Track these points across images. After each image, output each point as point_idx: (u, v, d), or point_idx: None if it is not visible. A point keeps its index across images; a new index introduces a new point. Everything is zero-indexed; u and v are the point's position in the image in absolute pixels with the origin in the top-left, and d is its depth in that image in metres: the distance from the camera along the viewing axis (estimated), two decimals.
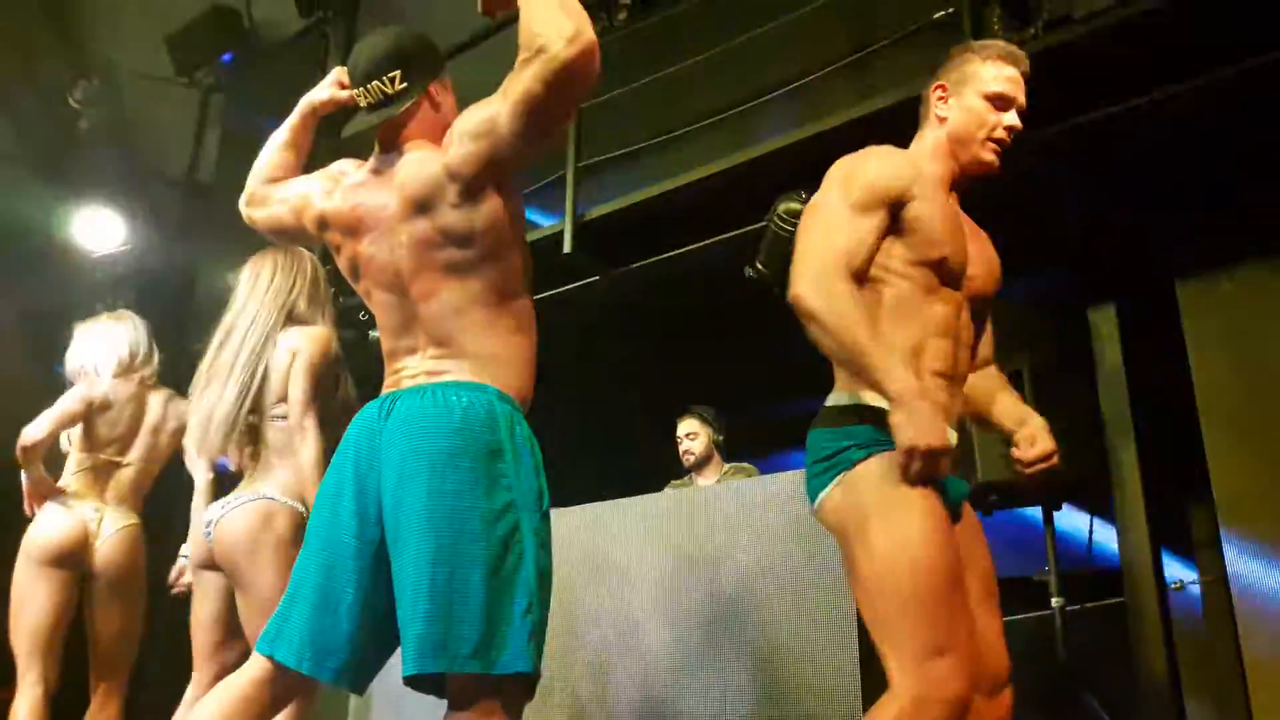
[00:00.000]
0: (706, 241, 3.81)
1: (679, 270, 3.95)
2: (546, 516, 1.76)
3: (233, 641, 2.64)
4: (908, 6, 3.54)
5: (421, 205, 1.80)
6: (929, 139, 1.98)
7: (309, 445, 2.49)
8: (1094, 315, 3.47)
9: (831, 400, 1.88)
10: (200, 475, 2.76)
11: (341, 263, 1.96)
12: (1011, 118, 1.92)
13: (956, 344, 1.87)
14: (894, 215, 1.85)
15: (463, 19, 5.00)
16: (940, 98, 1.97)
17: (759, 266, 3.17)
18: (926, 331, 1.84)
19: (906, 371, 1.74)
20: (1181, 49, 2.86)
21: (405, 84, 1.86)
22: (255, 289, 2.66)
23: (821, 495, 1.81)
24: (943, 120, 1.96)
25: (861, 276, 1.82)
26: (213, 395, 2.54)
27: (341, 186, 1.96)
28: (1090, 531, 3.64)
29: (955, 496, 1.86)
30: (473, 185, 1.77)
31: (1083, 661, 3.33)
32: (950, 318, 1.87)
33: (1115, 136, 3.08)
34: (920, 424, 1.66)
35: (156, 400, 3.37)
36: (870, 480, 1.74)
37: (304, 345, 2.58)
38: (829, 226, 1.83)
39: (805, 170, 3.30)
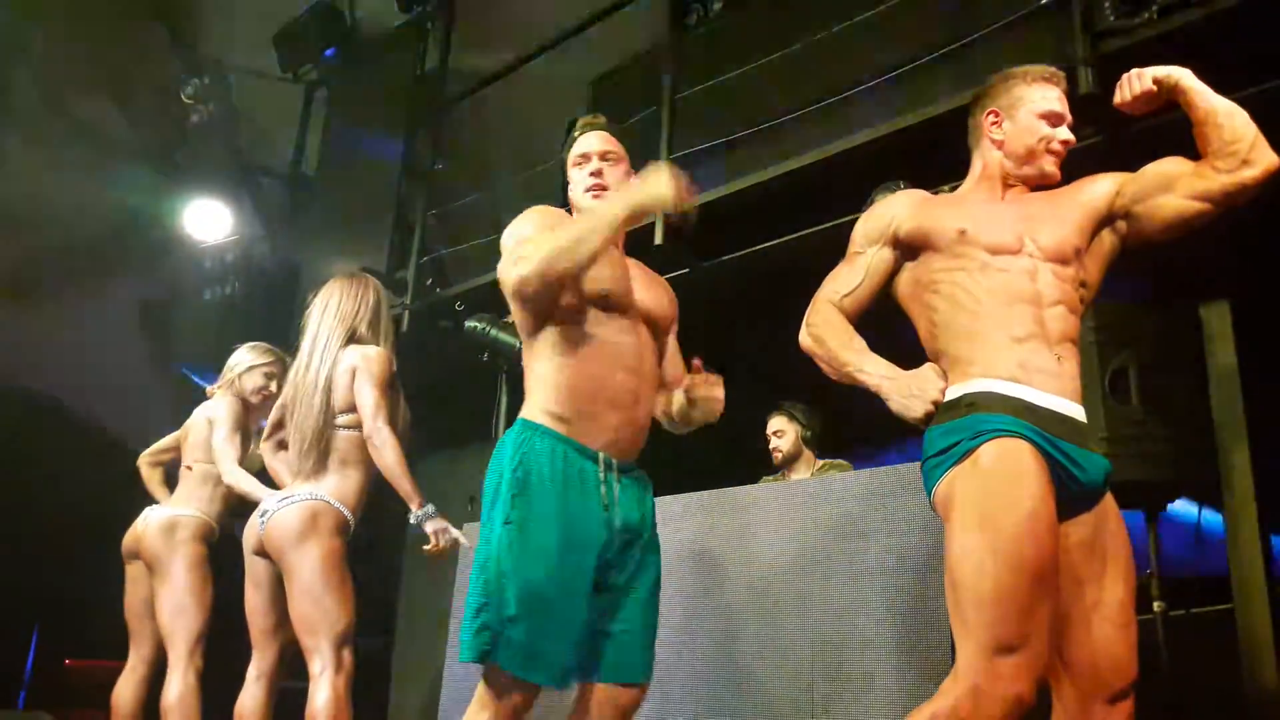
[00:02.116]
0: (800, 233, 3.77)
1: (771, 262, 3.92)
2: (518, 521, 1.96)
3: (288, 624, 2.88)
4: None
5: None
6: (979, 164, 2.12)
7: (388, 446, 2.80)
8: (1206, 312, 3.33)
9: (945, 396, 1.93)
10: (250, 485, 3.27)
11: None
12: (1065, 133, 2.06)
13: (1039, 306, 1.90)
14: (899, 245, 2.05)
15: (548, 15, 5.07)
16: (994, 123, 2.09)
17: None
18: (998, 300, 1.90)
19: (878, 359, 1.96)
20: None
21: None
22: (325, 313, 2.97)
23: (935, 487, 1.85)
24: (999, 143, 2.08)
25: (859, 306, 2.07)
26: (303, 413, 2.86)
27: None
28: (1197, 535, 3.51)
29: (1088, 479, 1.83)
30: None
31: (1187, 670, 3.22)
32: (1018, 283, 1.91)
33: None
34: (903, 394, 1.89)
35: (201, 409, 3.70)
36: (976, 470, 1.77)
37: (362, 363, 2.88)
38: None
39: (903, 160, 3.26)
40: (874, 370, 1.94)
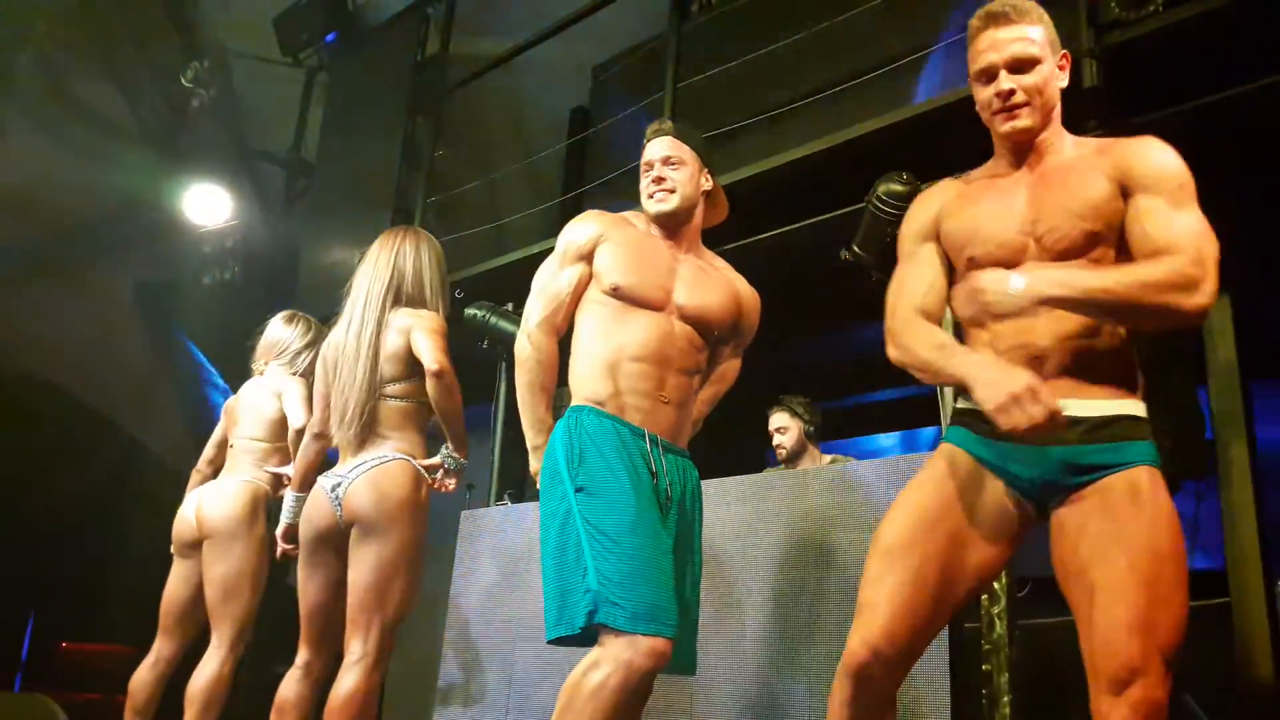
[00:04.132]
0: (803, 223, 3.76)
1: (774, 252, 3.91)
2: (586, 485, 2.07)
3: (339, 623, 2.63)
4: None
5: None
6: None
7: (454, 388, 2.62)
8: None
9: None
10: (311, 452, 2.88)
11: None
12: (999, 83, 1.86)
13: (1034, 315, 1.78)
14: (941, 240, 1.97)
15: (550, 1, 5.05)
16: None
17: (856, 249, 3.14)
18: (993, 313, 1.82)
19: (966, 352, 1.81)
20: None
21: None
22: (369, 274, 2.77)
23: None
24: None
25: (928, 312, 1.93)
26: (346, 380, 2.66)
27: None
28: (1194, 529, 3.52)
29: (1033, 474, 1.77)
30: None
31: (1183, 663, 3.23)
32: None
33: (1236, 117, 2.95)
34: (994, 382, 1.67)
35: (258, 385, 3.51)
36: None
37: (416, 320, 2.69)
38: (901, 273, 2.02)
39: (906, 150, 3.25)
40: (961, 363, 1.76)
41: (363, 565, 2.52)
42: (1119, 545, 1.68)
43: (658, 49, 4.52)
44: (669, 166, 2.34)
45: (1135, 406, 1.79)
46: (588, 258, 2.30)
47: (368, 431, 2.63)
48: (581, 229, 2.33)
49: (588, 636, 2.02)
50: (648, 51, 4.96)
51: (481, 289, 4.55)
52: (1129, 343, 1.82)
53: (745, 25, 4.28)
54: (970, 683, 2.65)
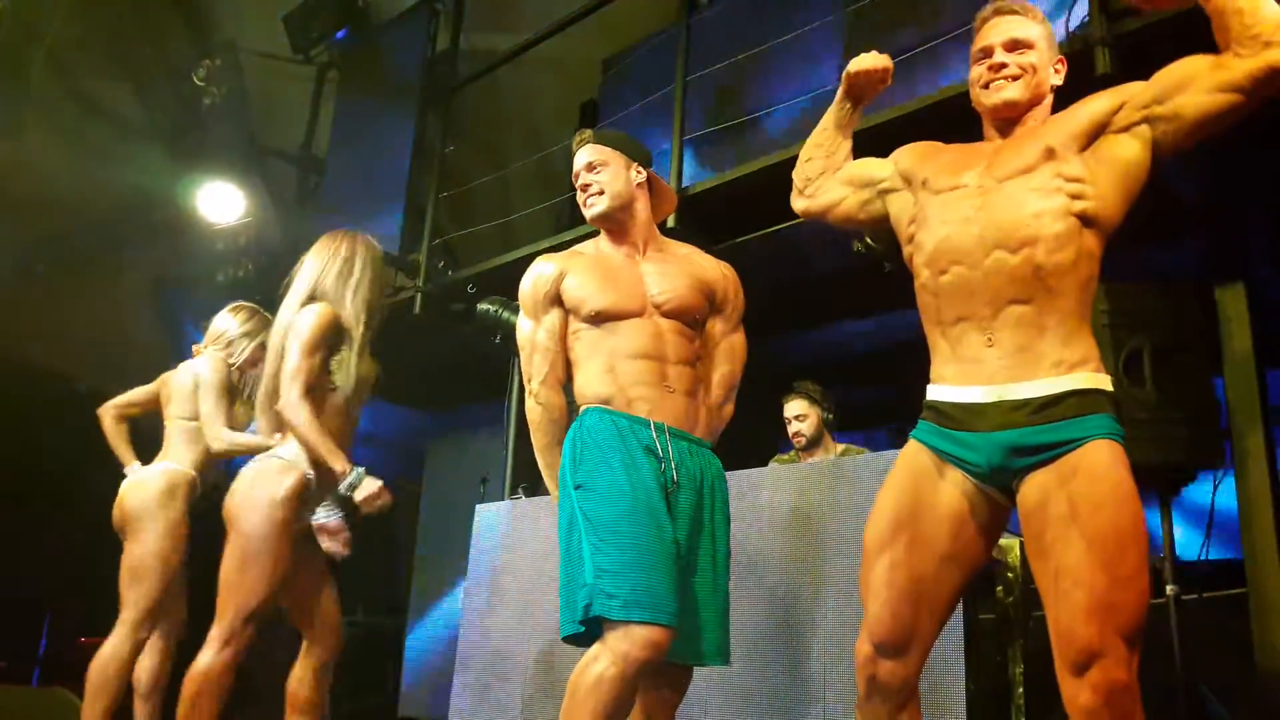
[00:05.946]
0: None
1: (782, 245, 3.91)
2: (585, 480, 2.13)
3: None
4: None
5: None
6: None
7: (297, 415, 2.66)
8: (1221, 294, 3.32)
9: None
10: (248, 438, 3.16)
11: None
12: (993, 58, 1.95)
13: (980, 252, 1.82)
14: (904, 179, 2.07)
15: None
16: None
17: (869, 240, 3.14)
18: (940, 261, 1.86)
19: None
20: None
21: None
22: (299, 275, 2.88)
23: None
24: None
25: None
26: (270, 370, 2.80)
27: None
28: (1210, 519, 3.50)
29: (981, 460, 1.77)
30: None
31: (1200, 653, 3.22)
32: (960, 232, 1.86)
33: None
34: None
35: (187, 366, 3.61)
36: None
37: (295, 321, 2.77)
38: None
39: (919, 140, 3.23)
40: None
41: (224, 555, 2.68)
42: (1076, 526, 1.66)
43: (668, 42, 4.51)
44: (592, 172, 2.38)
45: (1088, 380, 1.76)
46: (557, 300, 2.34)
47: (278, 422, 2.77)
48: (541, 274, 2.37)
49: (596, 635, 2.04)
50: (658, 44, 4.96)
51: (493, 284, 4.56)
52: (1082, 316, 1.81)
53: (755, 17, 4.27)
54: (985, 672, 2.65)
